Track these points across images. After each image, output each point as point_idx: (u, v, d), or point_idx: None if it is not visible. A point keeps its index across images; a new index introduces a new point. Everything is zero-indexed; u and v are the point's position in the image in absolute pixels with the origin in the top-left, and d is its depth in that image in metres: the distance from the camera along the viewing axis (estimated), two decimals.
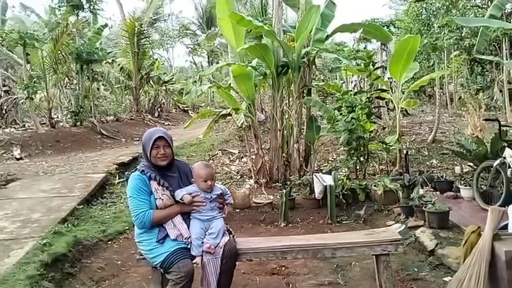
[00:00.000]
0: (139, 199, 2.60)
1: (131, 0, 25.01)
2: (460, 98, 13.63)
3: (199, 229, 2.60)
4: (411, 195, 4.34)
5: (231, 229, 2.85)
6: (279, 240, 2.97)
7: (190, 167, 2.89)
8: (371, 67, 5.45)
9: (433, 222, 4.04)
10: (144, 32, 16.09)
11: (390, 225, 4.55)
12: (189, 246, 2.58)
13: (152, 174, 2.66)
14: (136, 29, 15.37)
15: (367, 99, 5.38)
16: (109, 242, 4.47)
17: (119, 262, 3.96)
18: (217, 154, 9.15)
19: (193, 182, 2.72)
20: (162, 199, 2.61)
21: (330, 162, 8.20)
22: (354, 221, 4.82)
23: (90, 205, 5.76)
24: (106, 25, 15.95)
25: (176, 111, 21.59)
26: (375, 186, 5.17)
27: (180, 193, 2.64)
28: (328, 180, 5.02)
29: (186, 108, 22.28)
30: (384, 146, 5.64)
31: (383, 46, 13.67)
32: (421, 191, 4.24)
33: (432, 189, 4.32)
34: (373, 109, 5.44)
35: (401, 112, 8.79)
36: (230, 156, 8.96)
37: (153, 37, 21.06)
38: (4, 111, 13.57)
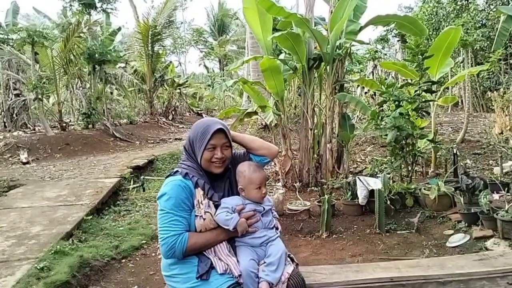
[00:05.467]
0: (175, 216, 1.82)
1: (144, 3, 24.79)
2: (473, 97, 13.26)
3: (249, 261, 1.84)
4: (478, 200, 3.74)
5: (291, 254, 2.06)
6: (358, 270, 2.24)
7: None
8: (419, 56, 4.86)
9: (509, 232, 3.44)
10: (159, 34, 15.70)
11: (449, 235, 3.97)
12: (241, 281, 1.84)
13: (200, 180, 1.89)
14: (150, 31, 15.01)
15: (416, 92, 4.79)
16: (123, 261, 3.87)
17: (136, 286, 3.38)
18: None
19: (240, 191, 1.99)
20: (204, 219, 1.85)
21: (358, 163, 7.64)
22: (405, 230, 4.22)
23: (100, 215, 5.14)
24: (120, 29, 15.62)
25: (189, 114, 21.25)
26: (425, 189, 4.57)
27: (225, 219, 1.84)
28: (374, 183, 4.44)
29: (200, 111, 21.96)
30: (433, 145, 5.04)
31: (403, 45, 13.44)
32: (496, 196, 3.64)
33: (508, 194, 3.73)
34: (422, 103, 4.84)
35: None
36: None
37: (167, 42, 20.71)
38: (14, 115, 13.25)
